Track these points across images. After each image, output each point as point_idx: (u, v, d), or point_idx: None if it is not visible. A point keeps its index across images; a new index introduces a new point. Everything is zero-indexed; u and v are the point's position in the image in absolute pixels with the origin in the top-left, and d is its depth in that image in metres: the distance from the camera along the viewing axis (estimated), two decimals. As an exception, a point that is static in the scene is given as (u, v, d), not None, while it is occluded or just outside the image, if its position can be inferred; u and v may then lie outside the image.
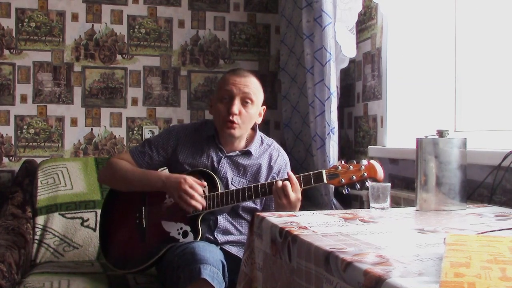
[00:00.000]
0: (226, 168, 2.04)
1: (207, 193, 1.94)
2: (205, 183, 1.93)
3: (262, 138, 2.12)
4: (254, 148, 2.06)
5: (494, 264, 0.80)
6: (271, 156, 2.09)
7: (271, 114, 3.16)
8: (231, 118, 1.94)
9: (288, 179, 1.84)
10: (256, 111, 2.02)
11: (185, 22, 3.12)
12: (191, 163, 2.04)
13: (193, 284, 1.72)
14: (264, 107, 2.08)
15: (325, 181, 1.82)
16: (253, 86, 1.99)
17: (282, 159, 2.11)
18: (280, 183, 1.83)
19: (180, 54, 3.11)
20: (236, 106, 1.95)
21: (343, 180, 1.81)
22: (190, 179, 1.89)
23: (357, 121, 2.69)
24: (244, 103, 1.96)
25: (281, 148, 2.15)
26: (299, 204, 1.85)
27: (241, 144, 2.06)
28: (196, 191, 1.88)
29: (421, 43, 2.34)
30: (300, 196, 1.84)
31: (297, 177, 1.85)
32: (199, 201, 1.88)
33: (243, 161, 2.05)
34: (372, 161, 1.82)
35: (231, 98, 1.96)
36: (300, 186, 1.84)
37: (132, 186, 2.04)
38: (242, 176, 2.04)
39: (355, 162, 1.82)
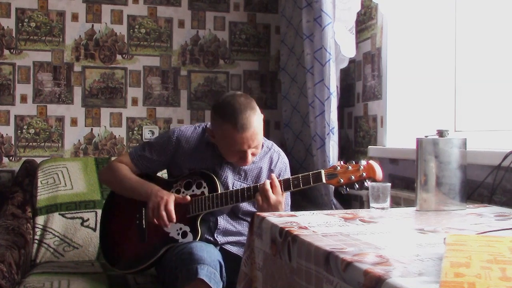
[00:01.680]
0: (227, 173, 2.03)
1: (206, 194, 1.94)
2: (189, 198, 1.95)
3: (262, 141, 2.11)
4: None
5: (494, 264, 0.80)
6: (271, 159, 2.09)
7: (271, 114, 3.16)
8: (246, 164, 1.96)
9: (270, 182, 1.85)
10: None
11: (185, 22, 3.12)
12: (191, 167, 2.03)
13: (190, 284, 1.72)
14: (262, 115, 1.99)
15: (324, 181, 1.82)
16: (259, 132, 1.92)
17: (282, 162, 2.10)
18: (262, 186, 1.84)
19: (180, 54, 3.11)
20: (250, 157, 1.93)
21: (342, 180, 1.81)
22: (170, 205, 1.91)
23: (357, 121, 2.69)
24: (254, 149, 1.94)
25: (281, 151, 2.14)
26: (281, 207, 1.85)
27: None
28: (169, 219, 1.91)
29: (421, 43, 2.34)
30: (281, 199, 1.84)
31: (296, 177, 1.85)
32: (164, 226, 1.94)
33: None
34: (371, 161, 1.82)
35: (244, 152, 1.92)
36: (299, 186, 1.84)
37: (127, 193, 2.06)
38: (243, 181, 2.04)
39: (354, 163, 1.82)
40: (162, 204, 1.91)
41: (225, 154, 1.98)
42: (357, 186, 1.81)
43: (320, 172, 1.83)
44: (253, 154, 1.95)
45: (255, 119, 1.89)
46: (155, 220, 1.93)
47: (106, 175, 2.15)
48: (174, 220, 1.92)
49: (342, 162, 1.84)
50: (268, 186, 1.83)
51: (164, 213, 1.91)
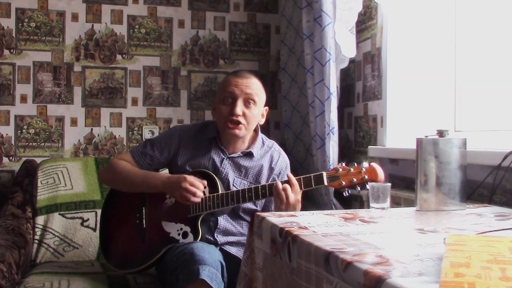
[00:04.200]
0: (228, 169, 2.04)
1: (207, 194, 1.94)
2: (205, 182, 1.93)
3: (263, 140, 2.12)
4: (256, 149, 2.06)
5: (494, 264, 0.80)
6: (272, 158, 2.09)
7: (271, 114, 3.15)
8: (235, 118, 1.94)
9: (288, 181, 1.84)
10: (259, 112, 2.02)
11: (185, 22, 3.12)
12: (192, 164, 2.04)
13: (191, 285, 1.72)
14: (267, 107, 2.09)
15: (325, 183, 1.82)
16: (255, 87, 1.99)
17: (283, 161, 2.11)
18: (280, 185, 1.83)
19: (180, 54, 3.11)
20: (239, 107, 1.94)
21: (344, 183, 1.80)
22: (191, 177, 1.90)
23: (357, 121, 2.69)
24: (247, 104, 1.96)
25: (282, 150, 2.15)
26: (299, 206, 1.84)
27: (243, 145, 2.06)
28: (197, 188, 1.89)
29: (421, 43, 2.34)
30: (299, 197, 1.84)
31: (298, 179, 1.85)
32: (200, 198, 1.90)
33: (244, 162, 2.05)
34: (373, 164, 1.81)
35: (234, 100, 1.95)
36: (301, 188, 1.84)
37: (133, 187, 2.04)
38: (243, 178, 2.04)
39: (356, 165, 1.82)
40: (184, 183, 1.87)
41: (219, 113, 1.98)
42: (358, 188, 1.80)
43: (322, 174, 1.83)
44: (244, 115, 1.95)
45: (256, 79, 2.03)
46: (186, 202, 1.89)
47: (108, 174, 2.13)
48: (203, 185, 1.90)
49: (343, 164, 1.84)
50: (286, 185, 1.82)
51: (194, 189, 1.87)
